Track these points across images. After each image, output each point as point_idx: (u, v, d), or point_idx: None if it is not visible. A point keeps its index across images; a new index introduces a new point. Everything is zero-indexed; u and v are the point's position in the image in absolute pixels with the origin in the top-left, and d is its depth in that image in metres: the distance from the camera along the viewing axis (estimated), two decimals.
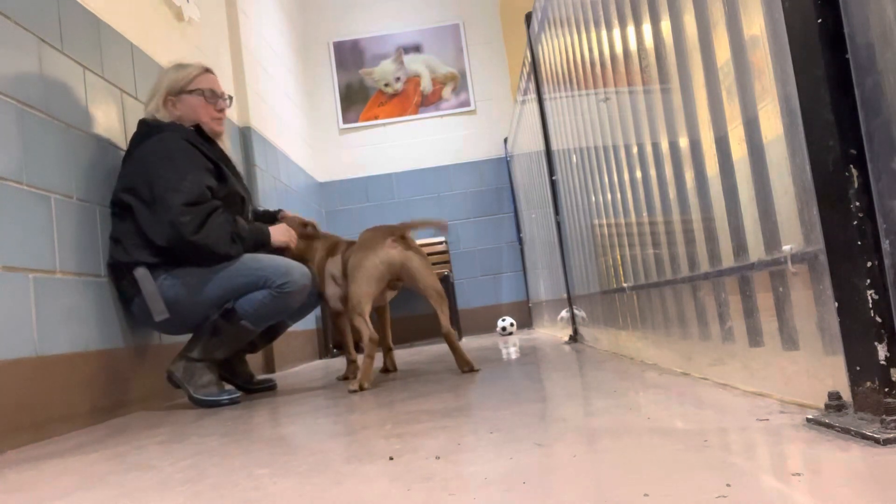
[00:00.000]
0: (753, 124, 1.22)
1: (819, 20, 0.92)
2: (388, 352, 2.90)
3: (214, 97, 2.50)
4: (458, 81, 6.20)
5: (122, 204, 2.33)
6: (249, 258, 2.37)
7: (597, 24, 2.25)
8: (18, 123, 1.97)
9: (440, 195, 6.08)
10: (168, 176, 2.25)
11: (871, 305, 0.87)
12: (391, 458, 1.09)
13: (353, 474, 1.01)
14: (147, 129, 2.39)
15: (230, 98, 2.61)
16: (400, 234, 2.44)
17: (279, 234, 2.56)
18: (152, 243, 2.28)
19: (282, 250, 2.58)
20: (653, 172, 1.84)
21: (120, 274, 2.34)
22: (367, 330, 2.30)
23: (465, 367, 2.42)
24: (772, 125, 1.15)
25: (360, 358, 2.58)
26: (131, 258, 2.29)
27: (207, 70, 2.53)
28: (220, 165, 2.41)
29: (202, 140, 2.43)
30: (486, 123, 6.16)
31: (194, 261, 2.30)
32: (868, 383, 0.88)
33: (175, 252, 2.28)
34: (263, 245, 2.47)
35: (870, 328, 0.88)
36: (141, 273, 2.29)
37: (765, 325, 1.27)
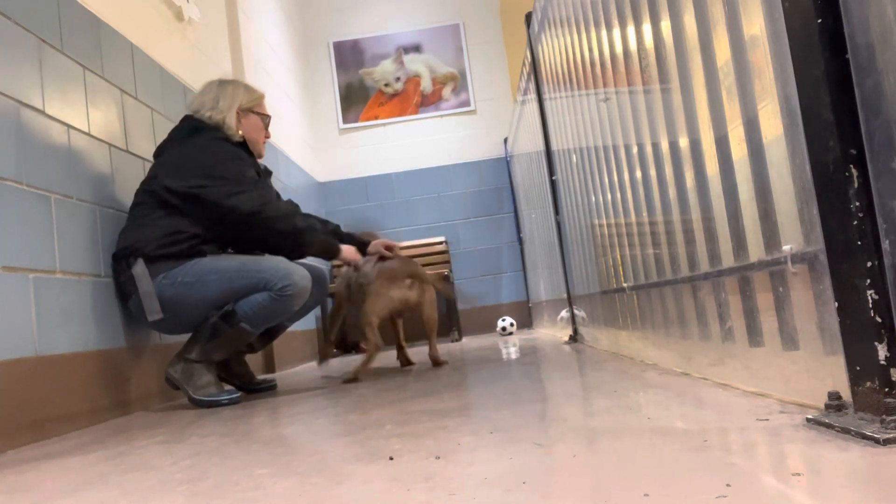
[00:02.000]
0: (753, 124, 1.22)
1: (819, 20, 0.92)
2: (400, 349, 3.23)
3: (268, 124, 2.70)
4: (458, 81, 6.20)
5: (162, 192, 2.36)
6: (250, 260, 2.39)
7: (597, 24, 2.25)
8: (18, 123, 1.97)
9: (440, 195, 6.08)
10: (234, 167, 2.41)
11: (871, 305, 0.87)
12: (391, 458, 1.09)
13: (353, 474, 1.01)
14: (200, 124, 2.50)
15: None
16: (417, 277, 2.83)
17: (349, 251, 2.70)
18: (157, 237, 2.30)
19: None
20: (653, 172, 1.84)
21: (120, 268, 2.34)
22: (373, 338, 2.71)
23: (434, 363, 2.92)
24: (772, 125, 1.15)
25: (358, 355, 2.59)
26: (136, 246, 2.31)
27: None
28: (262, 177, 2.59)
29: (247, 153, 2.58)
30: (486, 123, 6.16)
31: (271, 240, 2.45)
32: (868, 383, 0.88)
33: (243, 234, 2.43)
34: (329, 253, 2.62)
35: (870, 328, 0.88)
36: (139, 270, 2.29)
37: (765, 325, 1.27)
